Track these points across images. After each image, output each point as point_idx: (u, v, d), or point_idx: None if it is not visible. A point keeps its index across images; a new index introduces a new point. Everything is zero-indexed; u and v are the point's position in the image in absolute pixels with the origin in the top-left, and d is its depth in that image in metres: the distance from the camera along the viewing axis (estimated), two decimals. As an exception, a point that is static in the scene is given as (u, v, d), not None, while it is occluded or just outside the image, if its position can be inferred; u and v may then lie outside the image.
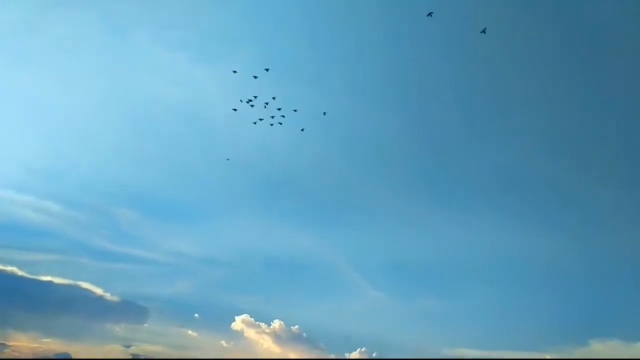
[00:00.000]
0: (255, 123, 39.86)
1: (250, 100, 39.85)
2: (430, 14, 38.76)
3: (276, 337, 62.07)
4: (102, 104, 52.90)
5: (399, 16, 61.29)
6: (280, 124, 39.94)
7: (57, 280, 50.39)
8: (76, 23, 51.05)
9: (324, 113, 43.05)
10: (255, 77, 37.38)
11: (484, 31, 40.48)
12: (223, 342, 58.49)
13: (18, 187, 47.40)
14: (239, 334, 60.24)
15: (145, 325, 57.34)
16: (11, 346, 49.03)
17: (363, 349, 59.11)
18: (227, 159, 45.58)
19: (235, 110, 39.60)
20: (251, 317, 61.51)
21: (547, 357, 55.94)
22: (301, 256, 55.27)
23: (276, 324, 63.43)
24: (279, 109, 40.04)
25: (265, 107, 38.57)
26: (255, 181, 57.13)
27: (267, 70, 37.98)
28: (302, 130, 41.08)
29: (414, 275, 57.53)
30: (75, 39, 51.52)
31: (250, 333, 61.39)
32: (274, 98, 39.34)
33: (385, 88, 65.32)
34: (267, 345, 60.80)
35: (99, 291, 53.12)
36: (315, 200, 59.43)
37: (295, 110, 41.15)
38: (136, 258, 51.43)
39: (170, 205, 53.51)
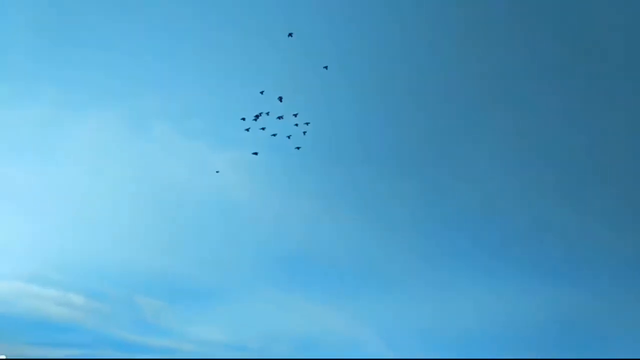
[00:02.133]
0: (274, 135, 40.36)
1: (258, 116, 40.39)
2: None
3: None
4: (125, 195, 53.39)
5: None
6: (297, 146, 40.60)
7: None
8: (99, 119, 52.61)
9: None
10: (280, 98, 38.33)
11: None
12: None
13: (42, 281, 47.20)
14: None
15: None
16: None
17: None
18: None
19: (247, 130, 40.22)
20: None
21: None
22: (330, 334, 53.89)
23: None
24: (296, 125, 40.47)
25: (280, 118, 39.27)
26: (276, 260, 56.38)
27: (290, 35, 38.95)
28: (298, 148, 41.58)
29: (445, 344, 55.88)
30: (99, 134, 52.80)
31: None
32: (295, 115, 39.90)
33: (401, 158, 65.82)
34: None
35: (122, 386, 51.35)
36: (337, 272, 58.46)
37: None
38: (161, 349, 50.29)
39: (194, 291, 52.54)
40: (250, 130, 42.01)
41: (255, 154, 44.46)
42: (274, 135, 42.78)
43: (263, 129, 41.81)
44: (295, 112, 43.23)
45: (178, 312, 50.66)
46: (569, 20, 63.75)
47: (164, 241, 52.34)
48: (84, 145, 52.24)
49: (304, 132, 43.61)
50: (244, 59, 46.53)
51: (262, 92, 41.87)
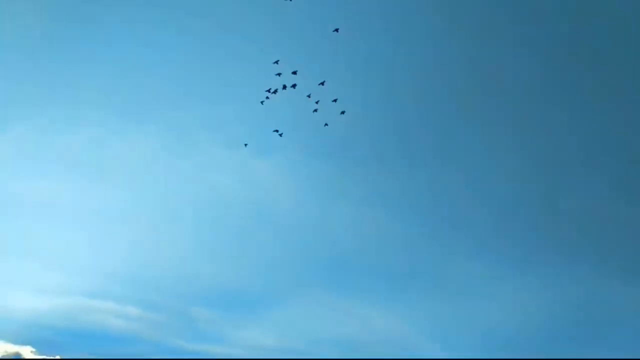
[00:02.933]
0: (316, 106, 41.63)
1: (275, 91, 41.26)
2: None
3: None
4: (172, 207, 55.31)
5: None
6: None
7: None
8: (145, 136, 54.60)
9: None
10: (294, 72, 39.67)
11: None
12: None
13: (101, 295, 49.85)
14: None
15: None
16: None
17: None
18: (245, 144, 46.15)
19: (267, 97, 41.57)
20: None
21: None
22: (378, 336, 54.55)
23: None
24: (335, 100, 41.55)
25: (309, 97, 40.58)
26: (322, 264, 57.23)
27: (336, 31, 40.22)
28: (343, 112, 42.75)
29: (502, 347, 55.38)
30: (145, 150, 54.83)
31: None
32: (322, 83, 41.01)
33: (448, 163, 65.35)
34: None
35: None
36: (383, 274, 58.77)
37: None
38: (215, 355, 52.24)
39: (243, 298, 54.09)
40: (269, 98, 43.29)
41: (277, 131, 44.99)
42: (315, 110, 43.48)
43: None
44: (334, 98, 43.87)
45: (229, 319, 52.45)
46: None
47: (213, 251, 54.17)
48: (132, 162, 54.45)
49: (342, 112, 44.15)
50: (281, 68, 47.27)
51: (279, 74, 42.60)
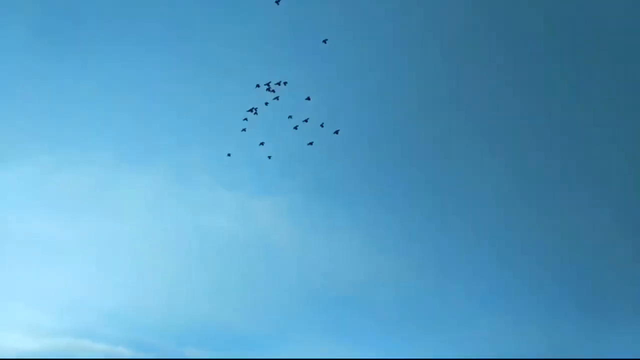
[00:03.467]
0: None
1: (269, 89, 40.48)
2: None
3: None
4: (169, 247, 55.25)
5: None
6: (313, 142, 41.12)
7: None
8: (147, 176, 55.26)
9: None
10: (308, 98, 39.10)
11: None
12: None
13: (92, 335, 49.35)
14: None
15: None
16: None
17: None
18: (229, 154, 45.13)
19: (258, 86, 40.65)
20: None
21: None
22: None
23: None
24: (337, 132, 40.89)
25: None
26: (321, 305, 56.06)
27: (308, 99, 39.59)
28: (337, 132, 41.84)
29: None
30: (146, 190, 55.32)
31: None
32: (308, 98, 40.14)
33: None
34: None
35: None
36: (384, 317, 57.20)
37: None
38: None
39: (239, 339, 53.04)
40: (246, 129, 43.17)
41: (262, 144, 44.62)
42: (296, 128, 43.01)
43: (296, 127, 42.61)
44: (328, 125, 43.64)
45: (223, 361, 51.39)
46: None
47: (209, 291, 53.50)
48: (130, 203, 54.81)
49: (336, 131, 43.81)
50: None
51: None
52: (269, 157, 45.54)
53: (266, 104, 42.23)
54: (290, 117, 43.14)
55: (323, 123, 43.33)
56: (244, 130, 44.02)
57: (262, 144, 44.76)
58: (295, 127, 42.97)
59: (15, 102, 56.03)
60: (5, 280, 49.29)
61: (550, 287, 57.81)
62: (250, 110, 42.15)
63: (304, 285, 54.26)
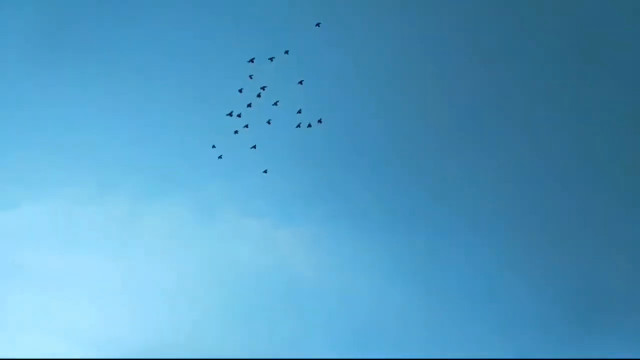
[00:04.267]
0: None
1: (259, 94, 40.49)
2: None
3: None
4: (195, 280, 55.69)
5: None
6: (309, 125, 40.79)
7: None
8: (171, 209, 55.90)
9: None
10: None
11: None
12: None
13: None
14: None
15: None
16: None
17: None
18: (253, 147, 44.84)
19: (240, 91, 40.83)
20: None
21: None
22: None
23: None
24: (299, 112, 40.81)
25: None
26: (342, 336, 55.73)
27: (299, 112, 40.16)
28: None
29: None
30: (170, 223, 55.99)
31: None
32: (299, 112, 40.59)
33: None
34: None
35: None
36: (407, 348, 56.41)
37: None
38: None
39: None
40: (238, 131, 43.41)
41: (254, 147, 44.47)
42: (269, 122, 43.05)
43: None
44: (318, 119, 43.54)
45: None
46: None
47: (232, 322, 53.34)
48: (157, 234, 55.27)
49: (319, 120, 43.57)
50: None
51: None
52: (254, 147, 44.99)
53: (268, 122, 42.41)
54: (299, 125, 43.07)
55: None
56: (254, 147, 44.11)
57: (254, 147, 44.65)
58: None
59: (41, 139, 56.96)
60: (38, 315, 49.84)
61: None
62: (230, 114, 42.12)
63: (324, 316, 53.91)
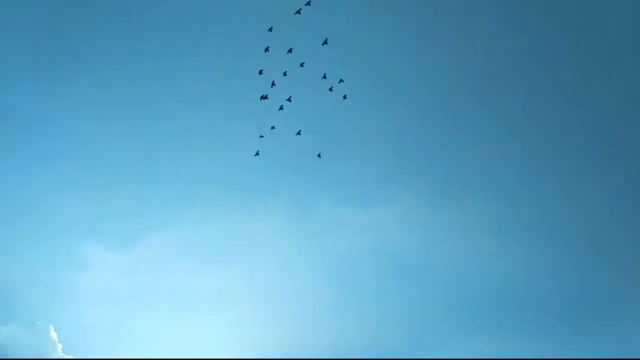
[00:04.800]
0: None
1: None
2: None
3: None
4: (314, 274, 58.44)
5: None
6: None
7: None
8: (272, 216, 58.94)
9: None
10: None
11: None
12: None
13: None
14: None
15: None
16: None
17: None
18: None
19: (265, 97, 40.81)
20: None
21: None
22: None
23: None
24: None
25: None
26: (464, 306, 56.49)
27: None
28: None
29: None
30: (274, 225, 59.09)
31: None
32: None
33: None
34: None
35: None
36: (535, 311, 56.63)
37: None
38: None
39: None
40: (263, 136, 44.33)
41: (257, 154, 45.34)
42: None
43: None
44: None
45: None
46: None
47: (346, 312, 54.79)
48: (266, 240, 58.05)
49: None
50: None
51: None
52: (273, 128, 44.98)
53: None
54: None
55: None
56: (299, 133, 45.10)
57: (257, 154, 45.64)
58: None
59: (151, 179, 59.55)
60: (181, 332, 52.25)
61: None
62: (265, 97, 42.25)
63: (439, 288, 54.14)
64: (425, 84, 60.63)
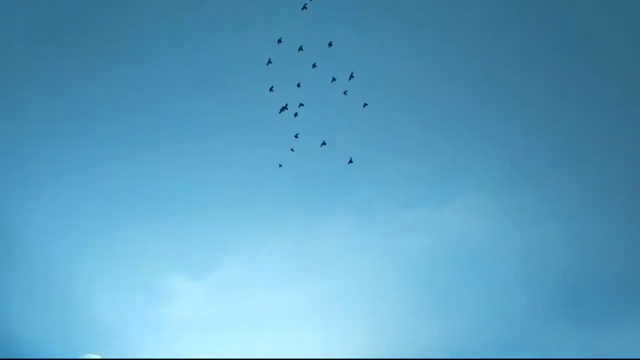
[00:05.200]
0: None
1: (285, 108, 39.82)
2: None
3: None
4: (383, 279, 58.76)
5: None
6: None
7: None
8: (337, 228, 59.78)
9: None
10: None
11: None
12: None
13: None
14: None
15: None
16: None
17: None
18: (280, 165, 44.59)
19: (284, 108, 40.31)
20: None
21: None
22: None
23: None
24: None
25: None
26: (546, 293, 53.51)
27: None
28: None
29: None
30: (344, 235, 59.77)
31: None
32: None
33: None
34: None
35: None
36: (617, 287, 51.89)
37: None
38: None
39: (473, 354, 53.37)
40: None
41: (280, 166, 44.39)
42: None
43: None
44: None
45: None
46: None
47: (425, 314, 53.52)
48: (339, 250, 58.42)
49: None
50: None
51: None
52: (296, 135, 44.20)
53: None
54: None
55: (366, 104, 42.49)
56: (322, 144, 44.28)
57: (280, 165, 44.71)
58: None
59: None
60: (268, 351, 53.27)
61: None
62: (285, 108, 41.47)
63: (518, 279, 51.45)
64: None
